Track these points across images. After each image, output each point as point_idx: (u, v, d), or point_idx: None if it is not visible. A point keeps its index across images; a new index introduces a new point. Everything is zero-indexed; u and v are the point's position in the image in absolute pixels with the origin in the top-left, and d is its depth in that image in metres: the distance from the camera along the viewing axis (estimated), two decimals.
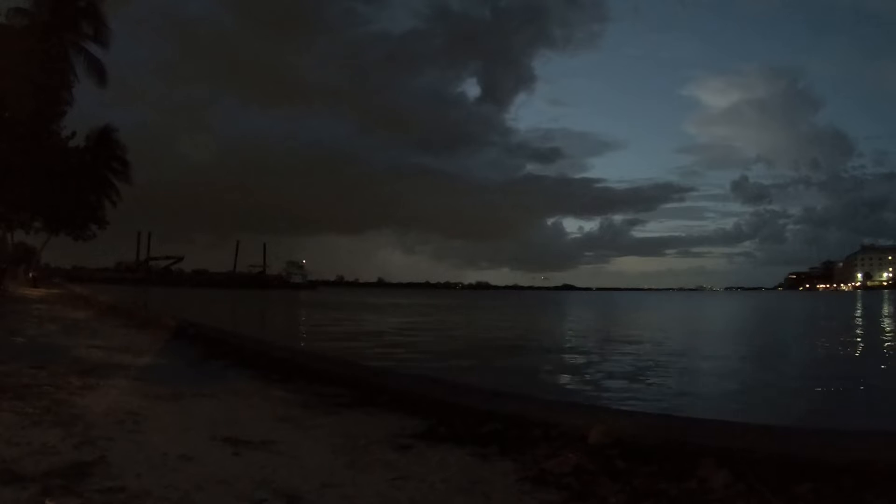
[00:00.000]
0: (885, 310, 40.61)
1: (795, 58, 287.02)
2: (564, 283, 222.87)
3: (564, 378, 10.17)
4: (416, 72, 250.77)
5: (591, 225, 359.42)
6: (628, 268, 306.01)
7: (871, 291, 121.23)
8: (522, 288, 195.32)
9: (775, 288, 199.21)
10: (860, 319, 30.27)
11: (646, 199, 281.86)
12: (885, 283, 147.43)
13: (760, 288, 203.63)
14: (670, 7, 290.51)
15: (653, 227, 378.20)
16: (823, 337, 19.58)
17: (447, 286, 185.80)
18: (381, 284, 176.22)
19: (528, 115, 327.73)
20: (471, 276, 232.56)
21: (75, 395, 4.30)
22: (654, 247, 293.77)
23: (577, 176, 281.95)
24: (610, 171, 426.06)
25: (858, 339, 18.96)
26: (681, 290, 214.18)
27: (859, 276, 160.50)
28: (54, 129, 23.11)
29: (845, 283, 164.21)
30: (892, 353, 15.27)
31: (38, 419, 3.51)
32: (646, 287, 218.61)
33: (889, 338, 19.85)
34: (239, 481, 2.55)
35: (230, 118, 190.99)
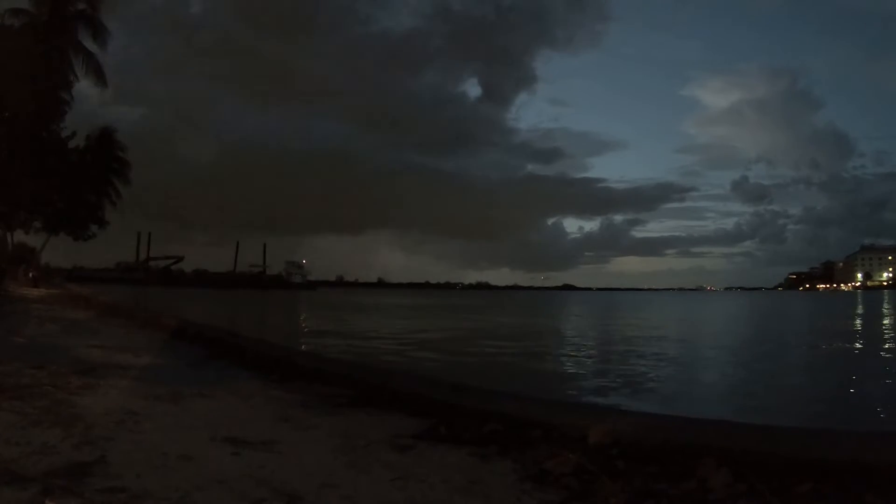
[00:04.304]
0: (886, 309, 40.61)
1: (795, 58, 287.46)
2: (564, 284, 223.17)
3: (565, 378, 10.16)
4: (417, 72, 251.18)
5: (591, 225, 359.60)
6: (628, 268, 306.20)
7: (872, 291, 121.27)
8: (522, 288, 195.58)
9: (775, 288, 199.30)
10: (860, 319, 30.27)
11: (646, 199, 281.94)
12: (885, 283, 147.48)
13: (760, 288, 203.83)
14: (671, 7, 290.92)
15: (653, 227, 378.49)
16: (823, 336, 19.59)
17: (447, 286, 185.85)
18: (381, 285, 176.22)
19: (528, 114, 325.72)
20: (471, 276, 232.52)
21: (75, 395, 4.30)
22: (654, 247, 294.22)
23: (578, 176, 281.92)
24: (610, 171, 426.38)
25: (858, 339, 18.96)
26: (681, 290, 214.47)
27: (859, 276, 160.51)
28: (54, 129, 23.12)
29: (845, 283, 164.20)
30: (891, 352, 15.26)
31: (38, 419, 3.50)
32: (646, 287, 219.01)
33: (889, 337, 19.85)
34: (239, 481, 2.55)
35: (230, 118, 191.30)
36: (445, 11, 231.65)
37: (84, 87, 24.15)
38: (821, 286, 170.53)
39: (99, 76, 23.94)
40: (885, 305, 48.53)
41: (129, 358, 6.50)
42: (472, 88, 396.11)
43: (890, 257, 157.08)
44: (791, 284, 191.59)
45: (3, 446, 2.91)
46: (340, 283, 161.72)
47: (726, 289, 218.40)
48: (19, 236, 31.70)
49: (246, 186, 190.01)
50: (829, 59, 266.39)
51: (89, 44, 23.50)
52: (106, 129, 31.25)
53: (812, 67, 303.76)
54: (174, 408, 4.07)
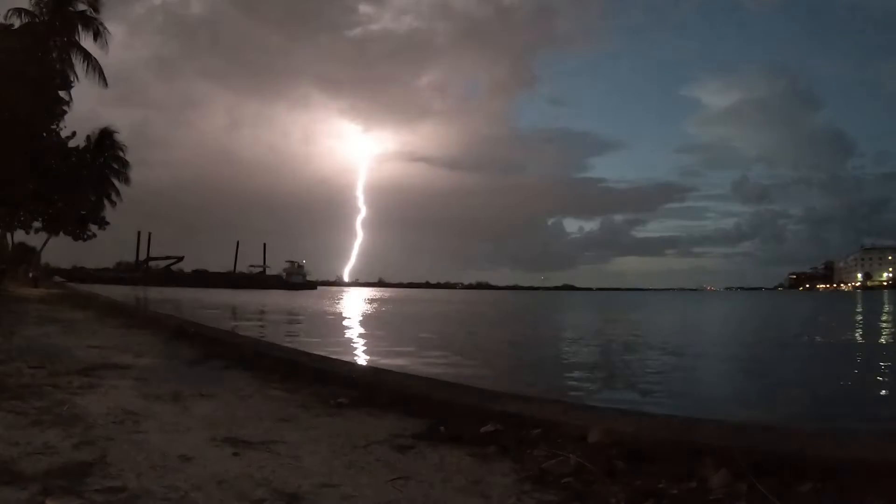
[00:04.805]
0: (886, 309, 40.59)
1: (795, 58, 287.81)
2: (564, 283, 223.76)
3: (564, 378, 10.15)
4: (418, 71, 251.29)
5: (591, 225, 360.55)
6: (628, 268, 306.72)
7: (872, 291, 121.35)
8: (522, 288, 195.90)
9: (775, 288, 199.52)
10: (860, 319, 30.25)
11: (646, 198, 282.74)
12: (885, 283, 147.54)
13: (760, 288, 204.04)
14: (671, 7, 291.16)
15: (653, 227, 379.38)
16: (823, 336, 19.58)
17: (447, 286, 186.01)
18: (381, 284, 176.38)
19: (528, 114, 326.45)
20: (471, 276, 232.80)
21: (75, 395, 4.30)
22: (654, 247, 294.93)
23: (578, 176, 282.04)
24: (610, 171, 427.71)
25: (858, 339, 18.95)
26: (681, 290, 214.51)
27: (859, 276, 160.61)
28: (54, 129, 23.13)
29: (845, 283, 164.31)
30: (891, 352, 15.26)
31: (38, 419, 3.51)
32: (646, 287, 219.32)
33: (888, 337, 19.84)
34: (239, 481, 2.55)
35: (230, 117, 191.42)
36: (447, 11, 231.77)
37: (84, 87, 24.20)
38: (821, 286, 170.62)
39: (99, 76, 24.02)
40: (886, 305, 48.52)
41: (129, 358, 6.49)
42: (473, 88, 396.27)
43: (890, 257, 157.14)
44: (791, 284, 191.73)
45: (3, 446, 2.91)
46: (340, 283, 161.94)
47: (726, 289, 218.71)
48: (19, 236, 31.75)
49: (246, 186, 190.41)
50: (829, 59, 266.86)
51: (89, 44, 23.57)
52: (106, 130, 31.34)
53: (812, 67, 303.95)
54: (174, 408, 4.07)
